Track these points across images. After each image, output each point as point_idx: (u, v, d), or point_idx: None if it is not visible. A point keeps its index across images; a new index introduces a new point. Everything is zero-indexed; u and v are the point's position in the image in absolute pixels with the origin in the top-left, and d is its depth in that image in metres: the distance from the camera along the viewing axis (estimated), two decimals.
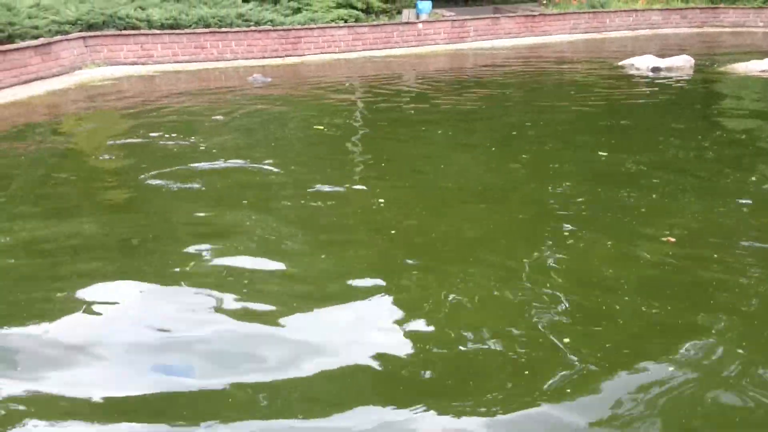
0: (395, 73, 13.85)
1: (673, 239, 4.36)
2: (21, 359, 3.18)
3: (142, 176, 6.23)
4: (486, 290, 3.78)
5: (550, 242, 4.39)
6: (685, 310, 3.51)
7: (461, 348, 3.20)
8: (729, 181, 5.70)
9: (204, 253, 4.35)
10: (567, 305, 3.57)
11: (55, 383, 3.00)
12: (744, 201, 5.12)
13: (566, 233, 4.54)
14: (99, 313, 3.62)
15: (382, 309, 3.62)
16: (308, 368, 3.07)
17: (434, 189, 5.73)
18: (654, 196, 5.30)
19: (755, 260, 4.07)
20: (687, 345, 3.18)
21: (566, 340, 3.23)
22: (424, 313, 3.56)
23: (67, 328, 3.47)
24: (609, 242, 4.33)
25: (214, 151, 7.18)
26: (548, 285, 3.81)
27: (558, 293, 3.70)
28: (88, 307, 3.66)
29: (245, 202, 5.40)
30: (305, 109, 9.70)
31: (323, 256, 4.30)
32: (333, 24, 16.53)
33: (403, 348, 3.22)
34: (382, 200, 5.35)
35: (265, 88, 11.53)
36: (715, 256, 4.15)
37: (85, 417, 2.77)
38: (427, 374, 3.00)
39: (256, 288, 3.88)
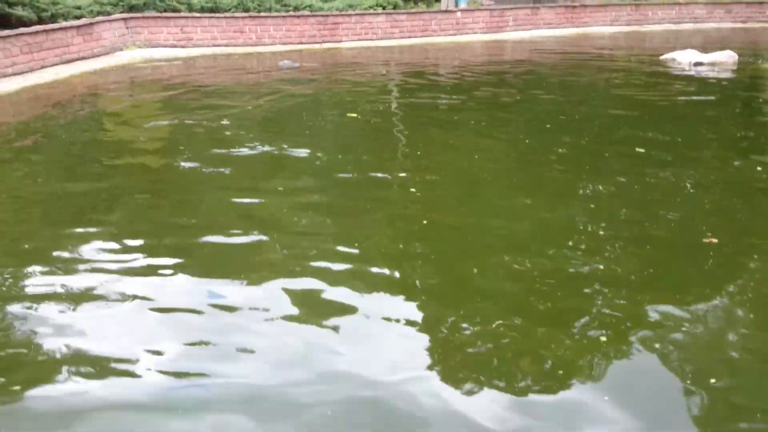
0: (432, 61, 13.78)
1: (715, 240, 4.29)
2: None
3: (176, 159, 6.32)
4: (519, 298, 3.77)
5: (579, 244, 4.36)
6: None
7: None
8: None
9: (234, 239, 4.41)
10: (608, 309, 3.54)
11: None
12: None
13: (602, 232, 4.49)
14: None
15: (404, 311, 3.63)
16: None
17: (468, 180, 5.71)
18: (686, 192, 5.23)
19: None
20: None
21: (603, 338, 3.21)
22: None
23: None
24: (648, 246, 4.27)
25: (250, 135, 7.24)
26: (581, 284, 3.78)
27: (595, 296, 3.68)
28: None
29: (281, 188, 5.44)
30: (340, 96, 9.72)
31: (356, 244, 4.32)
32: (371, 11, 16.50)
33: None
34: (414, 189, 5.35)
35: (301, 74, 11.57)
36: (755, 256, 4.08)
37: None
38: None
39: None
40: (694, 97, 9.46)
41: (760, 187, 5.44)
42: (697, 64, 12.19)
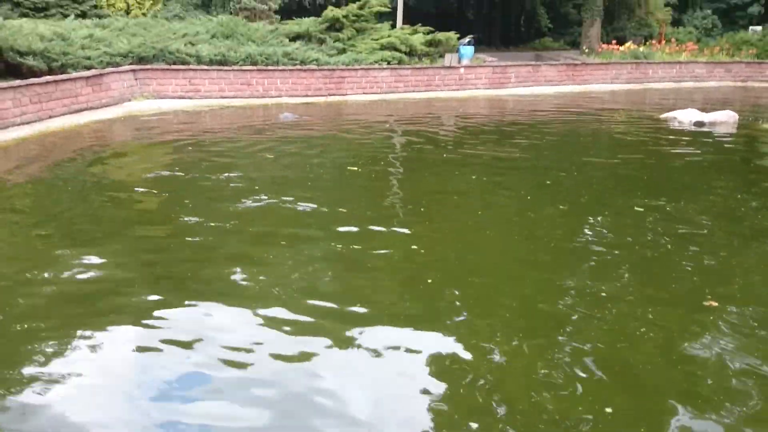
0: (435, 115, 13.96)
1: (715, 303, 4.27)
2: None
3: (180, 212, 6.36)
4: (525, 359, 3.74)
5: (579, 319, 4.34)
6: None
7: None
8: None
9: (240, 282, 4.41)
10: (605, 377, 3.51)
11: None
12: None
13: (603, 294, 4.48)
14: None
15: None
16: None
17: (469, 237, 5.72)
18: (691, 254, 5.23)
19: None
20: None
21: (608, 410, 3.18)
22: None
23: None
24: (649, 308, 4.25)
25: (255, 187, 7.30)
26: (581, 359, 3.76)
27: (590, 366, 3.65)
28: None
29: (283, 243, 5.45)
30: (342, 149, 9.83)
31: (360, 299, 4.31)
32: (376, 65, 16.78)
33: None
34: (416, 246, 5.36)
35: (305, 126, 11.71)
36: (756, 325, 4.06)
37: None
38: None
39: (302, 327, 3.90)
40: (695, 158, 9.54)
41: (760, 251, 5.44)
42: (697, 123, 12.32)
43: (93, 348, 3.69)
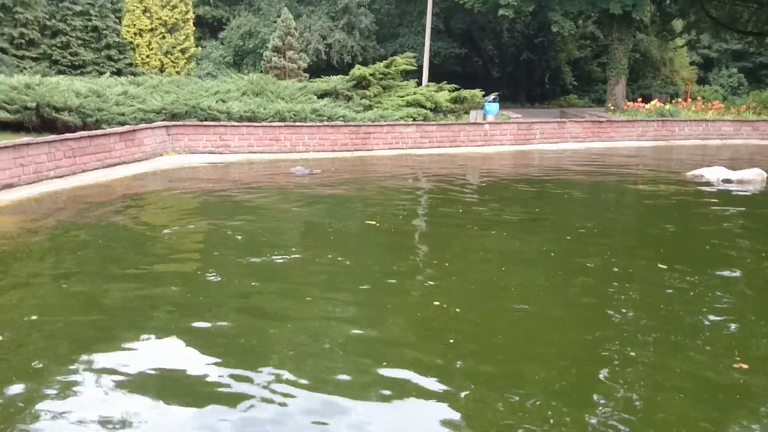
0: (459, 171, 14.06)
1: (745, 365, 4.18)
2: None
3: (207, 266, 6.44)
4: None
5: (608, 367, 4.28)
6: None
7: None
8: None
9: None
10: None
11: None
12: None
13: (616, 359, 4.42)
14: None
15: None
16: None
17: (490, 299, 5.70)
18: (716, 319, 5.15)
19: None
20: None
21: None
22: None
23: None
24: (662, 375, 4.18)
25: (276, 242, 7.38)
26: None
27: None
28: None
29: (309, 298, 5.48)
30: (365, 204, 9.88)
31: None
32: (402, 122, 17.03)
33: None
34: (437, 302, 5.34)
35: (331, 180, 11.85)
36: None
37: None
38: None
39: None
40: (724, 216, 9.46)
41: None
42: (725, 181, 12.24)
43: None
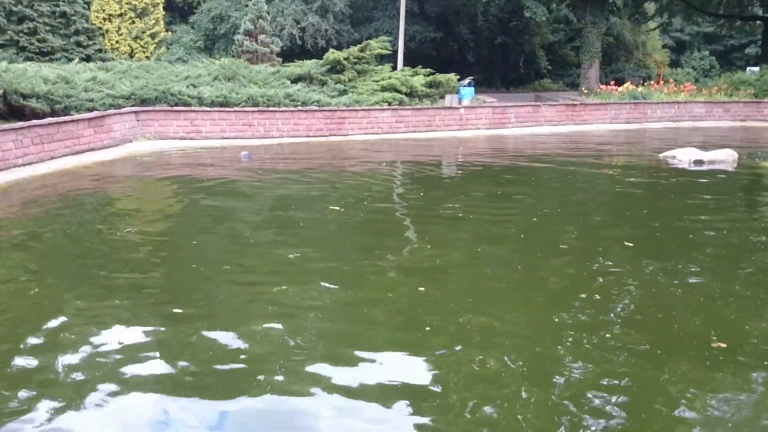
0: (434, 155, 14.02)
1: (723, 344, 4.19)
2: None
3: (176, 253, 6.34)
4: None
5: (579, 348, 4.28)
6: None
7: None
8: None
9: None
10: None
11: None
12: None
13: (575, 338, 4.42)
14: None
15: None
16: None
17: (469, 280, 5.68)
18: (681, 294, 5.18)
19: None
20: None
21: None
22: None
23: None
24: (658, 350, 4.19)
25: (252, 231, 7.29)
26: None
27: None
28: None
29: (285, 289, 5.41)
30: (334, 188, 9.76)
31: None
32: (377, 106, 16.93)
33: None
34: (390, 294, 5.30)
35: (307, 167, 11.73)
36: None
37: None
38: None
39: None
40: (694, 196, 9.53)
41: (757, 286, 5.39)
42: (697, 162, 12.34)
43: None
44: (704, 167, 11.97)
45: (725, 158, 12.53)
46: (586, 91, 26.27)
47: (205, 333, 4.34)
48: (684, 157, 12.70)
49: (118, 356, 4.00)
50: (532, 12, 28.05)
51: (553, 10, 33.37)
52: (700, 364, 3.94)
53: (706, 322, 4.58)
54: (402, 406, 3.49)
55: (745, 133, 19.11)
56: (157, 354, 4.05)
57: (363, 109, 16.64)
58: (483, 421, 3.35)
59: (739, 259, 6.23)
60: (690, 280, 5.51)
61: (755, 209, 9.00)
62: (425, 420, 3.37)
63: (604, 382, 3.73)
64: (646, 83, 25.77)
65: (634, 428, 3.28)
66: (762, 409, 3.50)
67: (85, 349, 4.09)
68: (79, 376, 3.76)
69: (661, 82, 25.75)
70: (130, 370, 3.83)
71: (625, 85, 23.63)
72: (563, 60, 41.83)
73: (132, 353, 4.05)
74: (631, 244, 6.55)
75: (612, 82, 25.63)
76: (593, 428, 3.27)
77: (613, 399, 3.54)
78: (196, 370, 3.85)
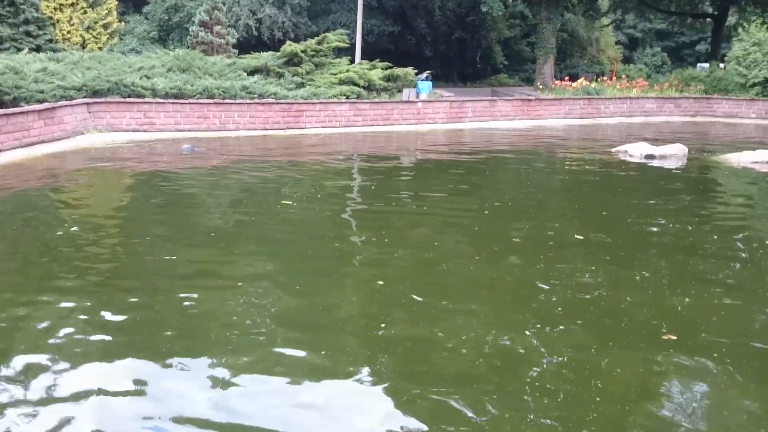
0: (391, 148, 14.07)
1: (674, 336, 4.29)
2: None
3: (125, 243, 6.23)
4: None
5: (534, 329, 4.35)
6: None
7: None
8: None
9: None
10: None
11: None
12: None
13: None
14: None
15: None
16: None
17: (427, 274, 5.72)
18: (636, 289, 5.30)
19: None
20: None
21: None
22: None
23: None
24: (609, 342, 4.27)
25: (194, 231, 7.20)
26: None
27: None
28: None
29: (240, 284, 5.36)
30: (289, 182, 9.66)
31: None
32: (335, 99, 16.87)
33: None
34: (381, 281, 5.32)
35: (263, 159, 11.64)
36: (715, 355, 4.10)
37: None
38: None
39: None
40: (644, 189, 9.75)
41: (705, 278, 5.55)
42: (648, 156, 12.62)
43: None
44: (655, 162, 12.25)
45: (675, 152, 12.84)
46: (541, 87, 26.55)
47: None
48: (636, 151, 12.97)
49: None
50: (489, 7, 28.23)
51: (510, 6, 33.61)
52: (652, 355, 4.04)
53: (657, 314, 4.69)
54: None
55: (696, 128, 19.61)
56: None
57: (321, 102, 16.57)
58: (433, 408, 3.39)
59: (688, 252, 6.39)
60: (640, 273, 5.64)
61: (704, 203, 9.25)
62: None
63: (555, 374, 3.79)
64: (599, 79, 26.19)
65: (585, 418, 3.36)
66: (714, 400, 3.61)
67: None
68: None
69: (614, 78, 26.20)
70: None
71: (579, 80, 23.96)
72: (519, 55, 42.29)
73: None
74: (581, 237, 6.68)
75: (566, 78, 25.96)
76: (542, 419, 3.33)
77: (564, 390, 3.61)
78: None
